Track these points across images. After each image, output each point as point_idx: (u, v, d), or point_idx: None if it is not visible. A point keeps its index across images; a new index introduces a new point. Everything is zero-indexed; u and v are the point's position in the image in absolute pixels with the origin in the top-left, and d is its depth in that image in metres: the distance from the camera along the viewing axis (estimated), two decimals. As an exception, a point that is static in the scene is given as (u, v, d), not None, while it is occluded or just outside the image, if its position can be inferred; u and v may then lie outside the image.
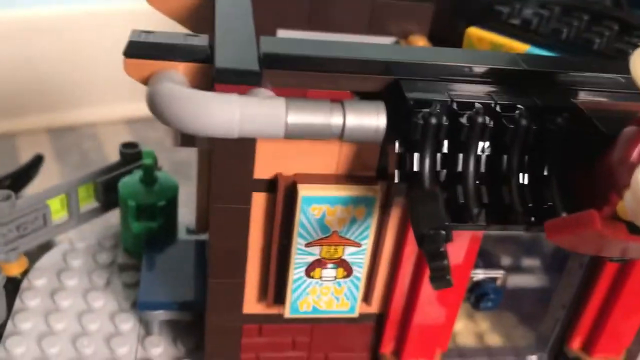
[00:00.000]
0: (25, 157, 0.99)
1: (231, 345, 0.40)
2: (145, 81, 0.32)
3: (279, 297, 0.37)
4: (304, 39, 0.33)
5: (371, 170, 0.35)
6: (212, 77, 0.31)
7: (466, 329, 0.47)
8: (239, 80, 0.31)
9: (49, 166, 0.99)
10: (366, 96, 0.32)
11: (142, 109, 1.15)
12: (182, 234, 0.52)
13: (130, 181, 0.48)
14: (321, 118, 0.30)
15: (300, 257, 0.35)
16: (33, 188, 0.90)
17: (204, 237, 0.52)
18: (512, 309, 0.47)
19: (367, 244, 0.35)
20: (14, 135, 1.03)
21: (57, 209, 0.48)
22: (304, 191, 0.33)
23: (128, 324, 0.44)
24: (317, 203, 0.33)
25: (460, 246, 0.37)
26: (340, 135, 0.31)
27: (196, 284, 0.44)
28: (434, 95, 0.31)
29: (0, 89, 1.01)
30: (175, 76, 0.32)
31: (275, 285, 0.37)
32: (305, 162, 0.34)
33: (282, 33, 0.45)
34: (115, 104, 1.10)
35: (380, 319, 0.40)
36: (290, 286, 0.36)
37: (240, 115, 0.29)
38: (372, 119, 0.31)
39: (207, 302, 0.38)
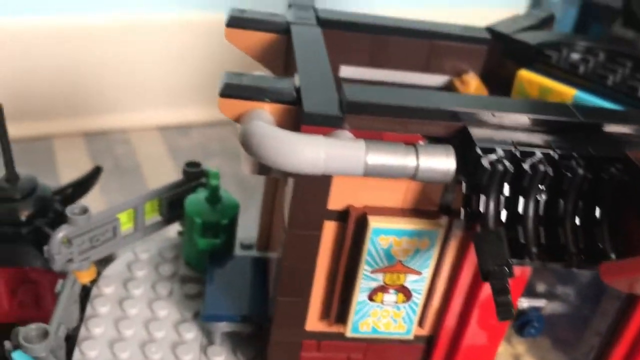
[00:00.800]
0: (61, 159, 1.03)
1: (291, 358, 0.43)
2: (237, 119, 0.36)
3: (341, 317, 0.41)
4: (381, 88, 0.37)
5: (434, 206, 0.38)
6: (299, 118, 0.34)
7: (505, 352, 0.50)
8: (323, 123, 0.34)
9: (85, 171, 1.03)
10: (435, 139, 0.36)
11: (174, 117, 1.18)
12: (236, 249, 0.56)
13: (196, 199, 0.51)
14: (397, 160, 0.34)
15: (365, 282, 0.38)
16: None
17: (255, 252, 0.55)
18: (547, 333, 0.50)
19: (427, 272, 0.39)
20: (51, 138, 1.07)
21: (124, 222, 0.52)
22: (375, 223, 0.36)
23: (191, 333, 0.48)
24: (385, 234, 0.37)
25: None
26: (413, 175, 0.34)
27: (256, 298, 0.47)
28: (499, 143, 0.34)
29: (40, 93, 1.05)
30: (265, 115, 0.35)
31: (339, 306, 0.40)
32: (375, 195, 0.37)
33: (344, 69, 0.49)
34: (148, 111, 1.13)
35: (430, 341, 0.43)
36: (354, 308, 0.40)
37: (326, 155, 0.33)
38: (442, 162, 0.34)
39: (274, 317, 0.41)
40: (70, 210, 0.48)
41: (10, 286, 0.59)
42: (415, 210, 0.38)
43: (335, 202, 0.37)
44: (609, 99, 0.45)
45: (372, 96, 0.35)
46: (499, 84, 0.50)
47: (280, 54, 0.45)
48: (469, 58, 0.50)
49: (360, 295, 0.39)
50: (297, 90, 0.36)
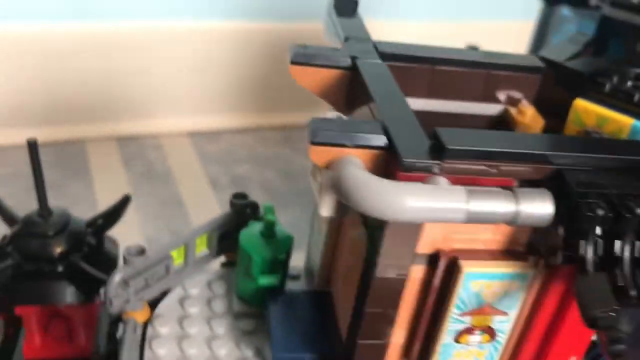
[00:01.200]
0: (93, 162, 1.03)
1: (366, 397, 0.43)
2: (326, 165, 0.35)
3: (423, 358, 0.40)
4: (473, 131, 0.37)
5: (522, 246, 0.38)
6: (394, 165, 0.34)
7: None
8: (420, 170, 0.34)
9: (117, 174, 1.02)
10: (528, 182, 0.36)
11: (203, 123, 1.21)
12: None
13: (250, 234, 0.50)
14: (497, 206, 0.33)
15: (452, 325, 0.38)
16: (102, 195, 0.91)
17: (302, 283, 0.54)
18: None
19: (513, 313, 0.39)
20: (85, 142, 1.07)
21: (176, 258, 0.51)
22: (468, 268, 0.36)
23: (254, 372, 0.47)
24: (477, 278, 0.36)
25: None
26: (512, 221, 0.34)
27: (325, 336, 0.46)
28: (596, 187, 0.34)
29: (74, 97, 1.05)
30: (356, 161, 0.35)
31: (422, 348, 0.40)
32: (463, 238, 0.37)
33: (403, 100, 0.48)
34: (179, 117, 1.14)
35: (504, 376, 0.43)
36: (438, 350, 0.39)
37: (428, 204, 0.32)
38: (540, 207, 0.34)
39: (352, 359, 0.41)
40: (127, 251, 0.47)
41: (41, 323, 0.58)
42: (504, 252, 0.38)
43: (424, 247, 0.37)
44: (667, 129, 0.46)
45: (469, 142, 0.34)
46: (551, 112, 0.50)
47: (343, 88, 0.45)
48: (523, 87, 0.50)
49: (446, 338, 0.39)
50: (386, 133, 0.35)
